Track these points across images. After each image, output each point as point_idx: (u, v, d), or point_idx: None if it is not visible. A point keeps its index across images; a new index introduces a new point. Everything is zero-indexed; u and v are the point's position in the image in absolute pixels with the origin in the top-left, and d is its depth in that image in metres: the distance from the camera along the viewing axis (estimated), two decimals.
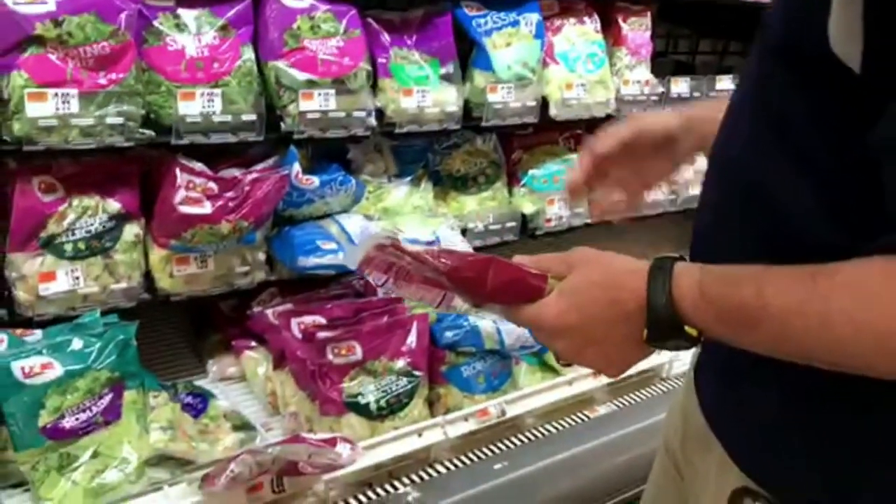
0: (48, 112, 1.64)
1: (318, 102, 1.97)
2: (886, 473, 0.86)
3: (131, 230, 1.89)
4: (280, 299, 2.22)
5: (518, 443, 2.09)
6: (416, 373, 2.01)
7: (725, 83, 2.90)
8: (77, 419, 1.67)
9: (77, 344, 1.72)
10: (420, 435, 1.95)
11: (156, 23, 1.85)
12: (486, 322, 2.16)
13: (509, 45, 2.33)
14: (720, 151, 0.99)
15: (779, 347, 0.81)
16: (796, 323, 0.76)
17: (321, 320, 2.03)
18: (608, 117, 2.66)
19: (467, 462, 2.00)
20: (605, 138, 1.21)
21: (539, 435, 2.14)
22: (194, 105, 1.82)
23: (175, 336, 2.42)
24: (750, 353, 0.87)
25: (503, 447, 2.07)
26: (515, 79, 2.32)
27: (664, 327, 0.85)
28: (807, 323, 0.75)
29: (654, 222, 2.89)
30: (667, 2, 2.92)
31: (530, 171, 2.64)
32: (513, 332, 2.18)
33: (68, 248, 1.79)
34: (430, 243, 2.22)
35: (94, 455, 1.68)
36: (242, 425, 1.93)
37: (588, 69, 2.53)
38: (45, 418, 1.64)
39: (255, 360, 2.18)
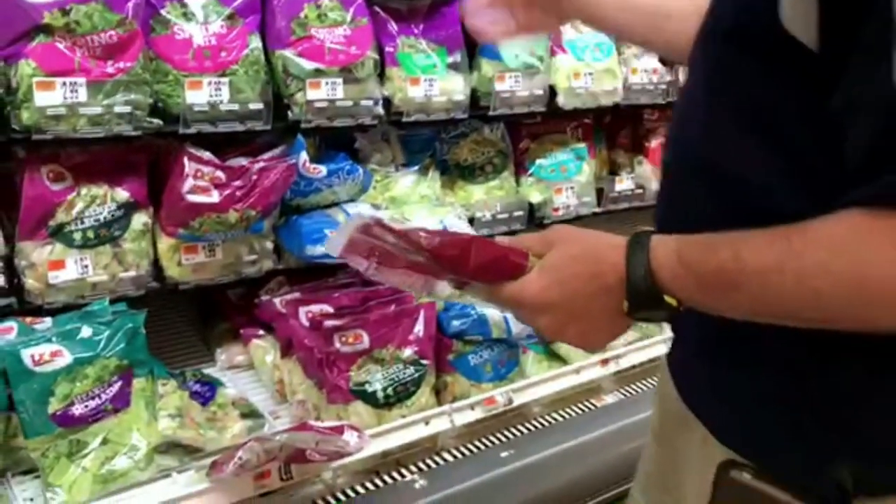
0: (56, 101, 1.65)
1: (325, 91, 1.96)
2: (864, 440, 0.87)
3: (140, 219, 1.90)
4: (288, 288, 2.22)
5: (525, 431, 2.10)
6: (424, 361, 2.01)
7: None
8: (86, 406, 1.69)
9: (86, 332, 1.73)
10: (427, 423, 1.95)
11: (163, 11, 1.85)
12: (494, 311, 2.16)
13: None
14: (676, 137, 1.01)
15: (759, 308, 0.82)
16: (774, 281, 0.78)
17: (329, 309, 2.04)
18: (616, 106, 2.66)
19: (474, 450, 2.01)
20: None
21: (546, 423, 2.14)
22: (202, 94, 1.83)
23: (183, 324, 2.42)
24: (721, 333, 0.90)
25: (510, 435, 2.07)
26: (523, 67, 2.31)
27: (644, 298, 0.86)
28: (784, 280, 0.77)
29: None
30: None
31: (538, 161, 2.64)
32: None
33: (77, 236, 1.80)
34: None
35: (104, 442, 1.69)
36: (250, 413, 1.94)
37: (596, 58, 2.52)
38: (54, 405, 1.65)
39: (263, 349, 2.19)
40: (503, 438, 2.06)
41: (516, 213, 2.53)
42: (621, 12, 1.30)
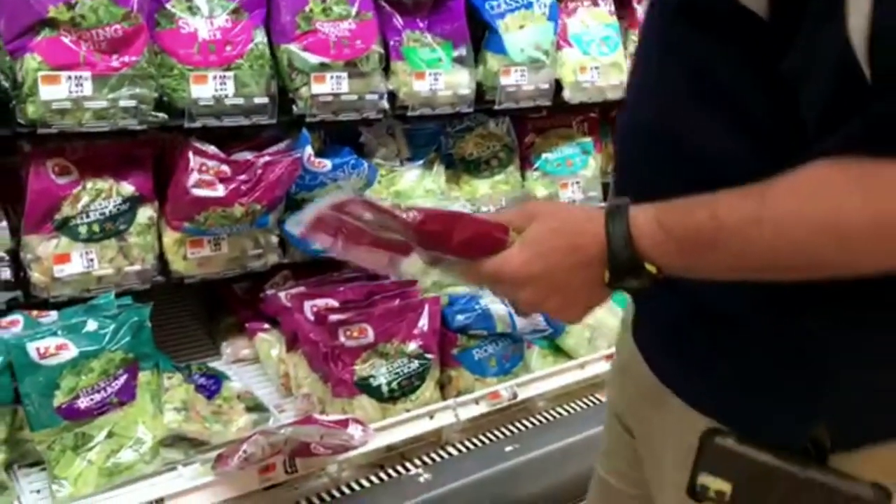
0: (61, 95, 1.65)
1: (330, 85, 1.96)
2: (836, 398, 0.89)
3: (145, 213, 1.90)
4: (293, 282, 2.23)
5: (529, 426, 2.11)
6: (428, 355, 2.01)
7: None
8: (92, 399, 1.69)
9: (92, 325, 1.74)
10: (431, 417, 1.96)
11: (168, 5, 1.85)
12: (499, 305, 2.16)
13: (522, 27, 2.31)
14: (632, 115, 1.03)
15: (739, 263, 0.83)
16: (753, 234, 0.79)
17: (334, 303, 2.04)
18: (622, 100, 2.65)
19: (478, 444, 2.01)
20: None
21: (550, 418, 2.15)
22: (207, 88, 1.83)
23: (189, 318, 2.43)
24: (693, 307, 0.93)
25: (514, 430, 2.08)
26: (529, 61, 2.31)
27: (625, 268, 0.87)
28: (762, 232, 0.78)
29: None
30: None
31: (543, 155, 2.63)
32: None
33: (82, 230, 1.81)
34: None
35: (109, 435, 1.70)
36: (255, 406, 1.94)
37: (602, 52, 2.51)
38: (60, 398, 1.66)
39: (268, 343, 2.20)
40: (507, 433, 2.06)
41: None
42: None
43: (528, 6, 2.34)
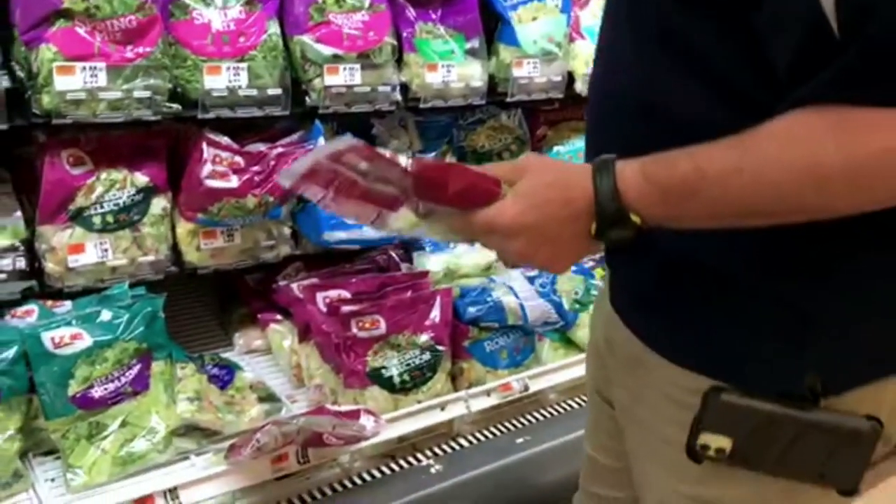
0: (76, 85, 1.65)
1: (343, 77, 1.96)
2: (823, 347, 0.94)
3: (159, 203, 1.91)
4: (305, 273, 2.23)
5: (540, 418, 2.11)
6: (440, 347, 2.02)
7: None
8: (106, 389, 1.70)
9: (106, 315, 1.75)
10: (443, 409, 1.96)
11: None
12: (510, 298, 2.16)
13: (535, 19, 2.30)
14: (602, 85, 1.07)
15: (723, 210, 0.86)
16: (734, 182, 0.83)
17: (346, 294, 2.04)
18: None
19: (489, 436, 2.01)
20: None
21: (561, 410, 2.15)
22: (220, 79, 1.83)
23: (201, 309, 2.44)
24: (674, 266, 0.96)
25: (525, 422, 2.08)
26: (541, 53, 2.30)
27: (611, 220, 0.90)
28: (743, 179, 0.82)
29: None
30: None
31: (556, 147, 2.62)
32: (536, 308, 2.18)
33: (97, 220, 1.81)
34: None
35: (123, 424, 1.71)
36: (268, 397, 1.95)
37: None
38: (74, 388, 1.67)
39: (281, 333, 2.20)
40: (519, 425, 2.06)
41: None
42: None
43: None
